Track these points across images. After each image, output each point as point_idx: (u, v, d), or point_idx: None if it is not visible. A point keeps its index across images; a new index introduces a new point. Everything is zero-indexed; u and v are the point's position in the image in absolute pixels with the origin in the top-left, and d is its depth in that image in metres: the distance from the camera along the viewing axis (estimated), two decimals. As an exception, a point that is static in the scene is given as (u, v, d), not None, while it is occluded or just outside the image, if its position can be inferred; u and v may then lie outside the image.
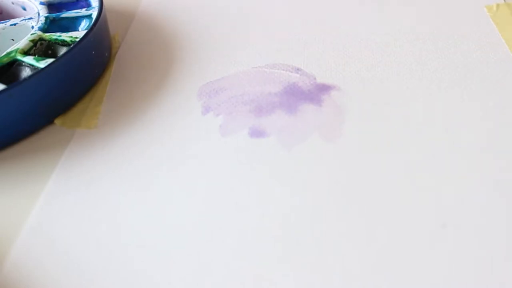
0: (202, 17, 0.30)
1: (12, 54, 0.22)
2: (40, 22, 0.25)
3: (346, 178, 0.19)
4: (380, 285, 0.15)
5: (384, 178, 0.19)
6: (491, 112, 0.21)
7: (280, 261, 0.16)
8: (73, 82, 0.23)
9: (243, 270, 0.16)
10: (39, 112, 0.22)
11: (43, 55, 0.23)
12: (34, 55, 0.22)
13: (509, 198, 0.18)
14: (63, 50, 0.23)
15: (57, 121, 0.22)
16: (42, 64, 0.21)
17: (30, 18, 0.26)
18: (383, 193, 0.18)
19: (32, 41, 0.23)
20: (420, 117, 0.21)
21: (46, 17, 0.25)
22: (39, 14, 0.26)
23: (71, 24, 0.26)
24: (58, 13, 0.26)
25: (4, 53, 0.22)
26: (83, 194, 0.19)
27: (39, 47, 0.23)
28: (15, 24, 0.25)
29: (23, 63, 0.22)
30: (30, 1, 0.27)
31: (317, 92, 0.23)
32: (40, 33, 0.24)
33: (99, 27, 0.24)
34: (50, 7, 0.26)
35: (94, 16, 0.25)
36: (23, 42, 0.23)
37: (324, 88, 0.23)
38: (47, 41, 0.23)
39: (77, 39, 0.23)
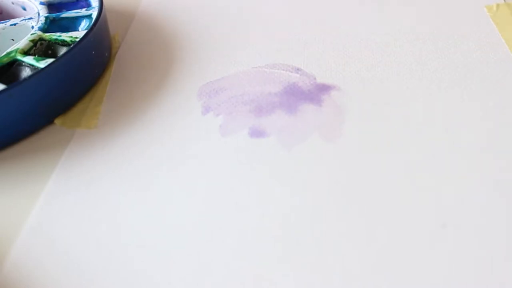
0: (202, 17, 0.30)
1: (12, 54, 0.22)
2: (40, 22, 0.25)
3: (346, 178, 0.19)
4: (380, 285, 0.15)
5: (384, 178, 0.19)
6: (491, 112, 0.21)
7: (280, 261, 0.16)
8: (73, 82, 0.23)
9: (243, 270, 0.16)
10: (39, 112, 0.22)
11: (43, 55, 0.23)
12: (34, 55, 0.22)
13: (509, 198, 0.18)
14: (63, 50, 0.23)
15: (57, 121, 0.22)
16: (42, 64, 0.21)
17: (30, 18, 0.26)
18: (383, 193, 0.18)
19: (32, 41, 0.23)
20: (420, 117, 0.21)
21: (46, 17, 0.25)
22: (39, 14, 0.26)
23: (71, 24, 0.26)
24: (58, 13, 0.26)
25: (4, 53, 0.22)
26: (83, 194, 0.19)
27: (39, 47, 0.23)
28: (15, 24, 0.25)
29: (23, 63, 0.22)
30: (30, 1, 0.27)
31: (317, 92, 0.23)
32: (40, 33, 0.24)
33: (99, 27, 0.24)
34: (50, 7, 0.26)
35: (94, 16, 0.25)
36: (23, 42, 0.23)
37: (324, 88, 0.23)
38: (47, 41, 0.23)
39: (77, 39, 0.23)
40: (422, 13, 0.28)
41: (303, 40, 0.27)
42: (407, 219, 0.17)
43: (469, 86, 0.23)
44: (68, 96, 0.23)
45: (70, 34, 0.24)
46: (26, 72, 0.22)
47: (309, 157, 0.20)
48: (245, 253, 0.16)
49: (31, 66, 0.22)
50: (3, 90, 0.20)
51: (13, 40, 0.25)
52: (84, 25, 0.25)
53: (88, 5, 0.27)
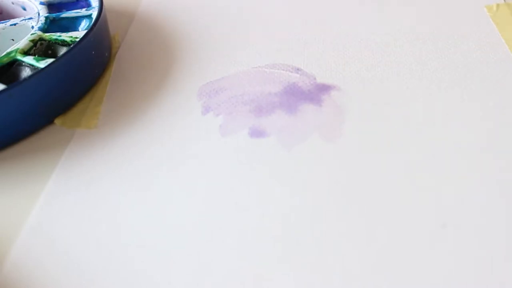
0: (202, 17, 0.30)
1: (12, 54, 0.22)
2: (40, 22, 0.25)
3: (346, 178, 0.19)
4: (380, 285, 0.15)
5: (384, 178, 0.19)
6: (491, 112, 0.21)
7: (280, 261, 0.16)
8: (73, 82, 0.23)
9: (243, 270, 0.16)
10: (39, 112, 0.22)
11: (43, 55, 0.23)
12: (34, 55, 0.22)
13: (509, 198, 0.18)
14: (63, 50, 0.23)
15: (57, 121, 0.22)
16: (42, 64, 0.21)
17: (30, 18, 0.26)
18: (383, 193, 0.18)
19: (32, 41, 0.23)
20: (420, 117, 0.21)
21: (46, 17, 0.25)
22: (39, 14, 0.26)
23: (71, 24, 0.26)
24: (58, 13, 0.26)
25: (4, 53, 0.22)
26: (83, 194, 0.19)
27: (39, 47, 0.23)
28: (15, 24, 0.25)
29: (23, 63, 0.22)
30: (30, 1, 0.27)
31: (317, 92, 0.23)
32: (40, 33, 0.24)
33: (99, 27, 0.24)
34: (50, 7, 0.26)
35: (94, 16, 0.25)
36: (23, 42, 0.23)
37: (324, 88, 0.23)
38: (47, 41, 0.23)
39: (77, 39, 0.23)
40: (422, 13, 0.28)
41: (303, 40, 0.27)
42: (407, 219, 0.17)
43: (469, 86, 0.23)
44: (68, 96, 0.23)
45: (70, 34, 0.24)
46: (26, 72, 0.22)
47: (309, 157, 0.20)
48: (245, 253, 0.16)
49: (31, 66, 0.22)
50: (3, 90, 0.20)
51: (13, 40, 0.25)
52: (84, 25, 0.25)
53: (88, 5, 0.27)
